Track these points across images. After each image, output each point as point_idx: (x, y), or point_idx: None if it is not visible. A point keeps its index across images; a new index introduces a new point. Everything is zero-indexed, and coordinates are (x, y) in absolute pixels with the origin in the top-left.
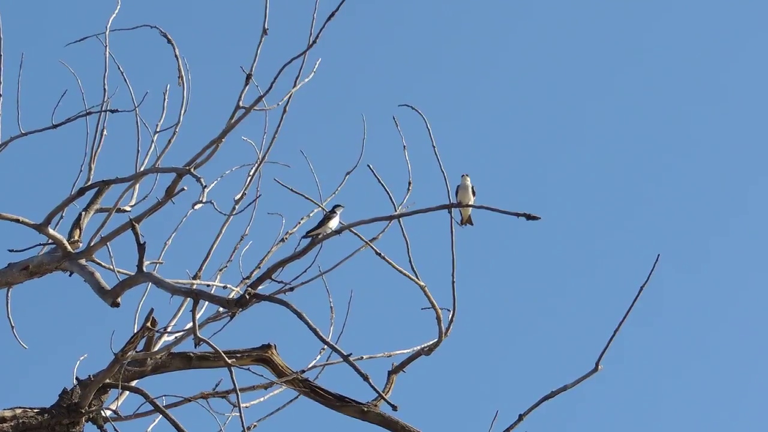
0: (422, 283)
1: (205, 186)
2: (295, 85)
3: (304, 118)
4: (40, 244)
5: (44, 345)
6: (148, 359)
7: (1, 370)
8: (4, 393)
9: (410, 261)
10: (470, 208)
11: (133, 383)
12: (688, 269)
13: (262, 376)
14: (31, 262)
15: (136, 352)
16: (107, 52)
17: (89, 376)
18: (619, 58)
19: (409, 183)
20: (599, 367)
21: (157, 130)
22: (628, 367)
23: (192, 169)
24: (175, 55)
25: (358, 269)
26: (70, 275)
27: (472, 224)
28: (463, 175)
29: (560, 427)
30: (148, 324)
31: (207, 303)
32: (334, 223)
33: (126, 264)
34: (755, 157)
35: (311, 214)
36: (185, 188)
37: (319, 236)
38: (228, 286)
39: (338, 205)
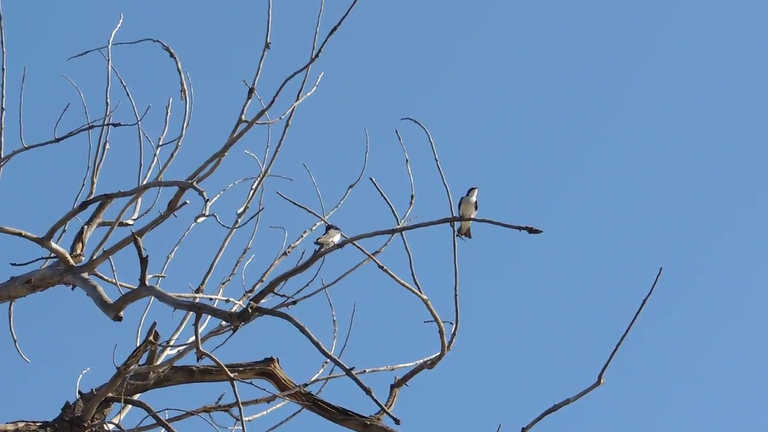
0: (425, 297)
1: (208, 199)
2: (297, 99)
3: (306, 132)
4: (42, 258)
5: (46, 358)
6: (151, 373)
7: (4, 384)
8: (6, 406)
9: (413, 274)
10: (469, 223)
11: (136, 397)
12: (691, 283)
13: (264, 389)
14: (33, 276)
15: (139, 365)
16: (110, 66)
17: (92, 389)
18: (619, 72)
19: (412, 196)
20: (602, 380)
21: (160, 143)
22: (631, 380)
23: (194, 183)
24: (178, 69)
25: (361, 283)
26: (72, 289)
27: (470, 237)
28: (470, 189)
29: None
30: (151, 338)
31: (209, 317)
32: (337, 237)
33: (128, 278)
34: (757, 169)
35: (314, 228)
36: (188, 202)
37: (322, 250)
38: (230, 299)
39: (332, 226)
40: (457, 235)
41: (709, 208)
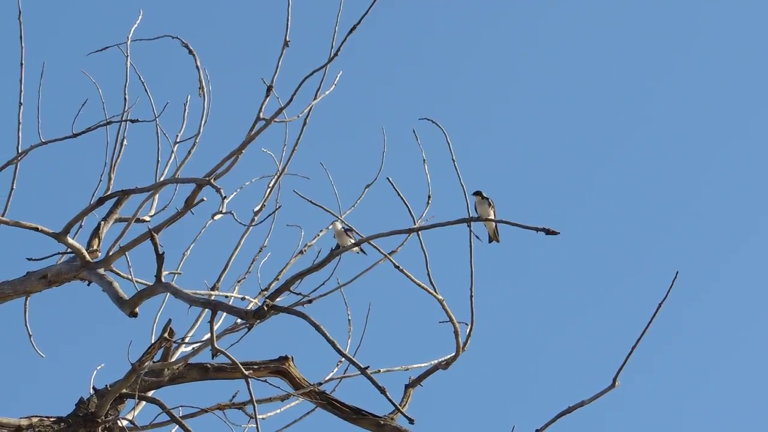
0: (440, 297)
1: (225, 197)
2: (315, 98)
3: (324, 131)
4: (58, 253)
5: (61, 354)
6: (165, 370)
7: (19, 379)
8: (21, 401)
9: (429, 274)
10: (494, 226)
11: (150, 393)
12: (709, 287)
13: (279, 387)
14: (49, 271)
15: (154, 362)
16: (128, 62)
17: (106, 385)
18: (641, 73)
19: (429, 196)
20: (617, 383)
21: (177, 140)
22: (646, 383)
23: (212, 180)
24: (196, 66)
25: (377, 282)
26: (88, 284)
27: (498, 241)
28: (474, 193)
29: None
30: (166, 334)
31: (225, 314)
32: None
33: (144, 274)
34: None
35: (330, 227)
36: (205, 199)
37: (339, 249)
38: (246, 297)
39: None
40: (489, 242)
41: (729, 213)
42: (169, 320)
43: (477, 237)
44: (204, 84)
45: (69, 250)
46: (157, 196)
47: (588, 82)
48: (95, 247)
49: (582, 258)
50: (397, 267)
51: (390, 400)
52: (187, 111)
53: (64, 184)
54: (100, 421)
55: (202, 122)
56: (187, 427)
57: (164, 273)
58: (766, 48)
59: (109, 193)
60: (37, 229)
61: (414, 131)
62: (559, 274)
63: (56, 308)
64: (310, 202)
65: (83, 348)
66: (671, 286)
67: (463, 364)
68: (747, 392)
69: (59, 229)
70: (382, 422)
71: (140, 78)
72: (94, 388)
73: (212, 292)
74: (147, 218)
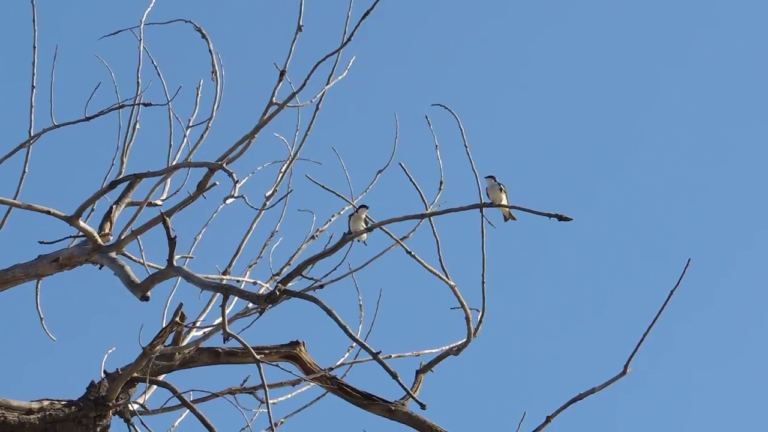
0: (452, 283)
1: (237, 181)
2: (328, 83)
3: (336, 116)
4: (70, 237)
5: (73, 337)
6: (177, 354)
7: (30, 362)
8: (32, 384)
9: (440, 260)
10: (507, 209)
11: (161, 377)
12: (720, 273)
13: (290, 372)
14: (61, 255)
15: (165, 346)
16: (141, 46)
17: (117, 369)
18: (656, 58)
19: (441, 182)
20: (628, 370)
21: (190, 124)
22: (657, 370)
23: (224, 164)
24: (209, 50)
25: (388, 268)
26: (100, 268)
27: (515, 218)
28: (487, 177)
29: (588, 430)
30: (177, 318)
31: (236, 298)
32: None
33: (156, 258)
34: None
35: (342, 212)
36: (217, 183)
37: (351, 234)
38: (258, 282)
39: (363, 206)
40: (505, 221)
41: (745, 199)
42: (181, 304)
43: (490, 222)
44: (217, 68)
45: (81, 233)
46: (169, 180)
47: (603, 67)
48: (107, 231)
49: (594, 244)
50: (409, 252)
51: (402, 386)
52: (199, 95)
53: (77, 167)
54: (111, 404)
55: (215, 106)
56: (198, 412)
57: (176, 257)
58: None
59: (121, 176)
60: (49, 213)
61: (426, 117)
62: (571, 260)
63: (68, 292)
64: (322, 187)
65: (94, 331)
66: (683, 274)
67: (475, 350)
68: (759, 381)
69: (71, 213)
70: (393, 408)
71: (153, 62)
72: (105, 371)
73: (224, 277)
74: (159, 202)
